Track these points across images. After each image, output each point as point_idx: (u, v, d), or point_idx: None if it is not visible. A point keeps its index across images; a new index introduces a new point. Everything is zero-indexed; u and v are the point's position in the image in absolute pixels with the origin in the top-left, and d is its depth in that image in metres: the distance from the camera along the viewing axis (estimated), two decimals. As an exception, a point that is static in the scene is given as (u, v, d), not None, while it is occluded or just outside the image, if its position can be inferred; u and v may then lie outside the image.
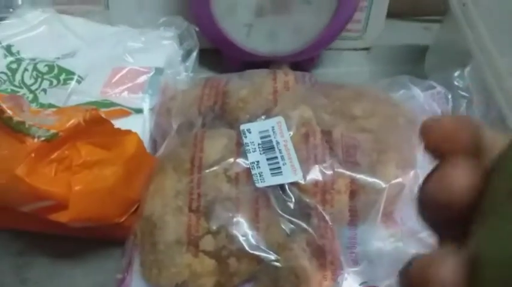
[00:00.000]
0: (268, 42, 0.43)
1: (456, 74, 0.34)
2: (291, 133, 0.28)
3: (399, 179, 0.27)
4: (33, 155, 0.24)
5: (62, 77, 0.36)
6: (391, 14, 0.48)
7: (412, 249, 0.27)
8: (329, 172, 0.27)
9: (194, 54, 0.42)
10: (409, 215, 0.28)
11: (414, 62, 0.48)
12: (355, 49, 0.50)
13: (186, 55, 0.42)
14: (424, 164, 0.29)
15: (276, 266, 0.24)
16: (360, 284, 0.26)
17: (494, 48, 0.36)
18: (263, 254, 0.24)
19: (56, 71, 0.36)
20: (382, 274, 0.26)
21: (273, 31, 0.42)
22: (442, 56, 0.44)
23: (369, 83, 0.37)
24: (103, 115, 0.29)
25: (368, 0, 0.46)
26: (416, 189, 0.30)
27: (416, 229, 0.28)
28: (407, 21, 0.53)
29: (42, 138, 0.24)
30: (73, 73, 0.37)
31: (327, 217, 0.25)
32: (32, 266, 0.32)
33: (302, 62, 0.45)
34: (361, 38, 0.48)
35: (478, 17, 0.36)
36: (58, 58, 0.38)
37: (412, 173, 0.28)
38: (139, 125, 0.34)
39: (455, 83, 0.34)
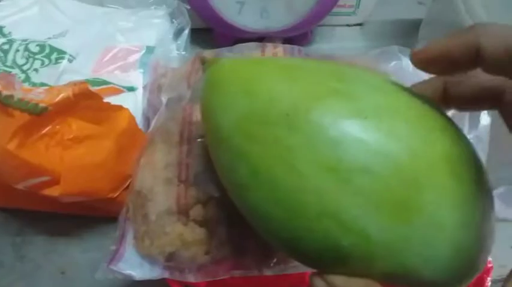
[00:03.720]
0: (260, 19, 0.43)
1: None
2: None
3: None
4: (23, 128, 0.24)
5: (54, 56, 0.36)
6: (384, -11, 0.48)
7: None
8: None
9: (186, 32, 0.42)
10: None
11: (407, 36, 0.48)
12: (348, 25, 0.49)
13: (178, 33, 0.42)
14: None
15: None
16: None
17: (488, 19, 0.36)
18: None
19: (47, 50, 0.37)
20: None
21: (264, 7, 0.42)
22: (435, 30, 0.44)
23: (359, 55, 0.37)
24: (93, 91, 0.29)
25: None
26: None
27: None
28: (400, -4, 0.52)
29: (31, 112, 0.24)
30: (64, 52, 0.37)
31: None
32: (30, 244, 0.33)
33: (295, 38, 0.45)
34: (354, 14, 0.48)
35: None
36: (49, 38, 0.38)
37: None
38: (132, 103, 0.34)
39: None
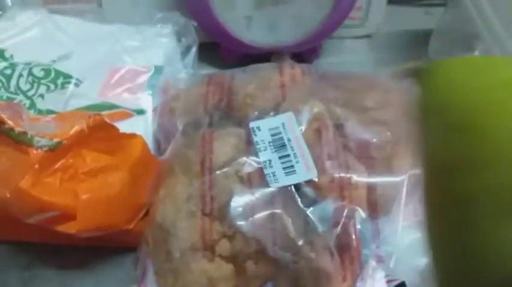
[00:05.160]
0: (269, 34, 0.42)
1: (463, 58, 0.33)
2: (303, 129, 0.27)
3: (417, 171, 0.26)
4: (37, 166, 0.23)
5: (60, 81, 0.35)
6: (392, 0, 0.47)
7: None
8: (344, 168, 0.26)
9: (193, 50, 0.40)
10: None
11: (417, 48, 0.47)
12: (357, 37, 0.48)
13: (185, 52, 0.41)
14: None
15: (295, 267, 0.23)
16: (385, 278, 0.25)
17: (503, 29, 0.35)
18: (281, 256, 0.23)
19: (52, 75, 0.35)
20: (405, 268, 0.25)
21: (273, 22, 0.41)
22: (446, 41, 0.43)
23: (377, 72, 0.36)
24: (106, 119, 0.28)
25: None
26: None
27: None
28: (408, 7, 0.52)
29: (46, 148, 0.23)
30: (71, 76, 0.35)
31: (347, 214, 0.25)
32: (39, 279, 0.32)
33: (304, 52, 0.44)
34: (363, 26, 0.47)
35: (485, -1, 0.35)
36: (54, 61, 0.37)
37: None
38: (142, 127, 0.33)
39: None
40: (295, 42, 0.42)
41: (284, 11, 0.40)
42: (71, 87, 0.34)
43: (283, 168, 0.26)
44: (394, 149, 0.27)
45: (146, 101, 0.35)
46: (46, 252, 0.32)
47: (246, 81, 0.30)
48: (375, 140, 0.27)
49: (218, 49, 0.44)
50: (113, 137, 0.28)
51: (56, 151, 0.24)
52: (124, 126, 0.30)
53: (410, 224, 0.27)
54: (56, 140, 0.24)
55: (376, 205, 0.25)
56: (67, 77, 0.35)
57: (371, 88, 0.30)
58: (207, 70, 0.43)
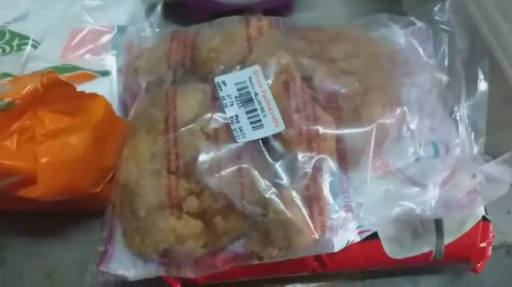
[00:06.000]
0: (238, -10, 0.40)
1: (436, 8, 0.33)
2: (270, 82, 0.26)
3: (385, 120, 0.26)
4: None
5: (15, 42, 0.33)
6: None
7: (404, 190, 0.26)
8: (312, 120, 0.25)
9: (158, 8, 0.39)
10: (398, 155, 0.27)
11: (392, 0, 0.46)
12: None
13: (150, 10, 0.39)
14: (410, 102, 0.28)
15: (265, 220, 0.23)
16: (357, 229, 0.25)
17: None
18: (250, 210, 0.23)
19: (7, 36, 0.33)
20: (376, 218, 0.26)
21: (242, -24, 0.39)
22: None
23: (346, 24, 0.35)
24: (64, 79, 0.27)
25: None
26: (404, 128, 0.29)
27: (406, 169, 0.27)
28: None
29: (-4, 108, 0.22)
30: (27, 37, 0.33)
31: (315, 165, 0.24)
32: (11, 247, 0.31)
33: (276, 8, 0.42)
34: (336, -21, 0.46)
35: None
36: (8, 23, 0.34)
37: (398, 110, 0.27)
38: (107, 89, 0.32)
39: (436, 17, 0.32)
40: (265, -2, 0.40)
41: (253, -37, 0.39)
42: (28, 48, 0.33)
43: (251, 123, 0.25)
44: (363, 99, 0.26)
45: (110, 62, 0.34)
46: (15, 220, 0.31)
47: (211, 35, 0.29)
48: (343, 90, 0.26)
49: (186, 7, 0.42)
50: (72, 97, 0.26)
51: (9, 111, 0.23)
52: (88, 88, 0.29)
53: (380, 174, 0.26)
54: (7, 99, 0.22)
55: (346, 156, 0.25)
56: (23, 38, 0.33)
57: (339, 39, 0.29)
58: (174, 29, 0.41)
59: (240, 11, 0.41)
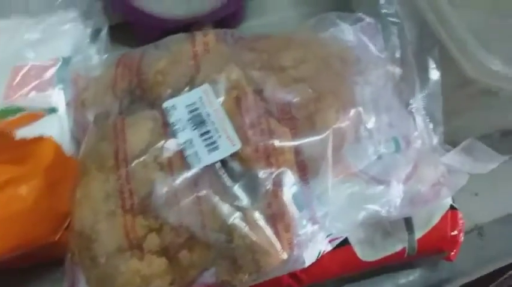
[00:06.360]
0: (184, 3, 0.39)
1: (383, 1, 0.32)
2: (221, 100, 0.26)
3: (341, 124, 0.26)
4: None
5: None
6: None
7: (369, 191, 0.26)
8: (267, 134, 0.25)
9: (104, 32, 0.37)
10: (358, 156, 0.27)
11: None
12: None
13: (95, 35, 0.37)
14: (364, 101, 0.28)
15: (230, 247, 0.22)
16: (326, 238, 0.25)
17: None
18: (214, 238, 0.22)
19: None
20: (344, 224, 0.25)
21: (184, -8, 0.38)
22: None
23: (297, 27, 0.34)
24: (7, 125, 0.25)
25: None
26: (361, 128, 0.29)
27: (369, 168, 0.27)
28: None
29: None
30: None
31: (275, 181, 0.24)
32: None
33: (226, 19, 0.42)
34: (282, -20, 0.45)
35: None
36: None
37: (353, 112, 0.27)
38: (56, 127, 0.30)
39: (384, 10, 0.32)
40: (213, 9, 0.39)
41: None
42: (-35, 94, 0.31)
43: (206, 145, 0.24)
44: (316, 106, 0.26)
45: (57, 97, 0.32)
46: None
47: (156, 57, 0.28)
48: (295, 99, 0.26)
49: (133, 28, 0.41)
50: (15, 145, 0.25)
51: None
52: (35, 129, 0.28)
53: (344, 177, 0.26)
54: None
55: (305, 166, 0.24)
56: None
57: (288, 46, 0.29)
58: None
59: (188, 25, 0.40)
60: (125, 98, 0.27)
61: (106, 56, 0.36)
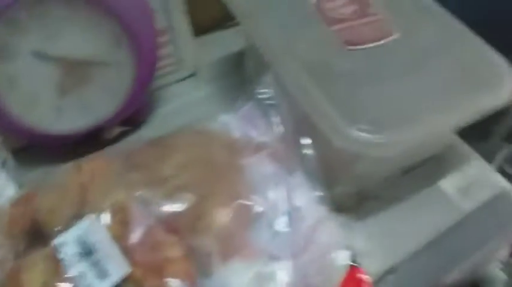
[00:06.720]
0: (83, 116, 0.40)
1: (260, 85, 0.34)
2: (108, 226, 0.27)
3: (226, 219, 0.27)
4: None
5: None
6: (199, 32, 0.48)
7: (270, 268, 0.27)
8: (157, 249, 0.26)
9: (10, 163, 0.38)
10: (256, 237, 0.28)
11: (242, 69, 0.48)
12: (183, 79, 0.49)
13: (2, 167, 0.38)
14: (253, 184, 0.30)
15: None
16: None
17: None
18: None
19: None
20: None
21: (83, 103, 0.40)
22: (256, 57, 0.44)
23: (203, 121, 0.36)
24: None
25: (168, 34, 0.45)
26: (253, 213, 0.30)
27: (269, 246, 0.28)
28: (218, 32, 0.53)
29: None
30: None
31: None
32: None
33: (132, 115, 0.43)
34: (181, 69, 0.48)
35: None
36: None
37: (238, 203, 0.28)
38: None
39: (260, 96, 0.34)
40: (112, 115, 0.41)
41: (90, 89, 0.40)
42: None
43: (97, 275, 0.25)
44: (201, 209, 0.27)
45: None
46: None
47: (48, 192, 0.29)
48: (180, 208, 0.27)
49: (40, 149, 0.42)
50: None
51: None
52: None
53: (243, 262, 0.27)
54: None
55: (197, 269, 0.25)
56: None
57: (171, 153, 0.30)
58: (35, 173, 0.40)
59: (96, 134, 0.41)
60: (21, 240, 0.28)
61: (15, 188, 0.37)
